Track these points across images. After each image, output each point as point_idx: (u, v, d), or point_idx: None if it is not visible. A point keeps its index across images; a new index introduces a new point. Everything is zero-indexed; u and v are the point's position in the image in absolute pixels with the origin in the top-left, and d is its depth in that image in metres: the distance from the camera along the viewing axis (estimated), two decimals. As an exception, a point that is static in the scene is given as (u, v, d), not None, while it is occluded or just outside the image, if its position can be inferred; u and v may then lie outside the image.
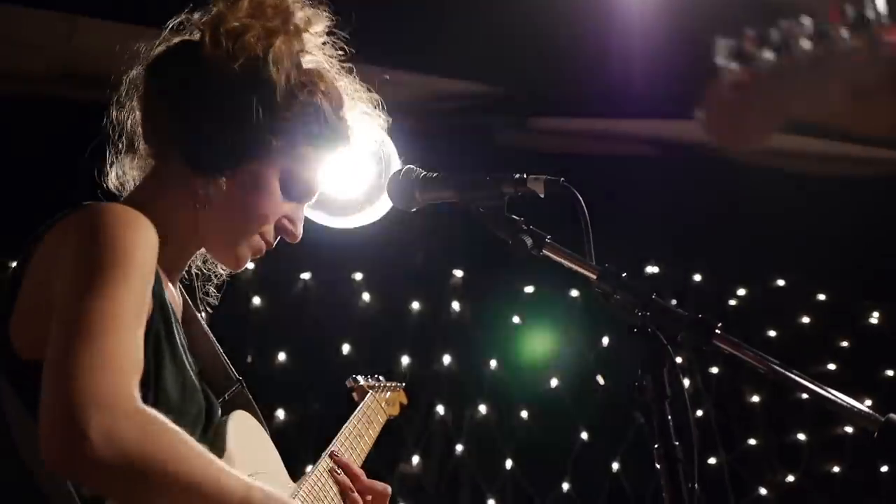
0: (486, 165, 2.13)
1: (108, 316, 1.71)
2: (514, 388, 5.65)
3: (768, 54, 1.14)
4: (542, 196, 1.96)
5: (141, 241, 1.83)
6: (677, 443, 1.77)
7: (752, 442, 6.15)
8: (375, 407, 2.81)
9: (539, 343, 5.77)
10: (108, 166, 2.17)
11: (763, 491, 6.06)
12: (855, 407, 1.76)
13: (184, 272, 2.20)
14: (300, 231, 2.17)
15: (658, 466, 1.80)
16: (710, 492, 5.74)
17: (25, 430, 1.78)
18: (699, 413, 5.92)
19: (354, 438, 2.57)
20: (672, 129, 6.19)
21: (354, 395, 2.87)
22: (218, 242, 2.12)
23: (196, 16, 2.10)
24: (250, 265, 2.34)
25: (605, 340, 5.88)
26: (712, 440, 5.94)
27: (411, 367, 5.46)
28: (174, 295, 2.12)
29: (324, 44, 2.16)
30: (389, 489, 2.37)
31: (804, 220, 6.11)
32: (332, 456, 2.37)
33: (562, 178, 1.97)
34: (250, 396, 2.21)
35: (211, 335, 2.23)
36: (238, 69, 2.01)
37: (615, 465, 5.77)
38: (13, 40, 4.84)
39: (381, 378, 2.96)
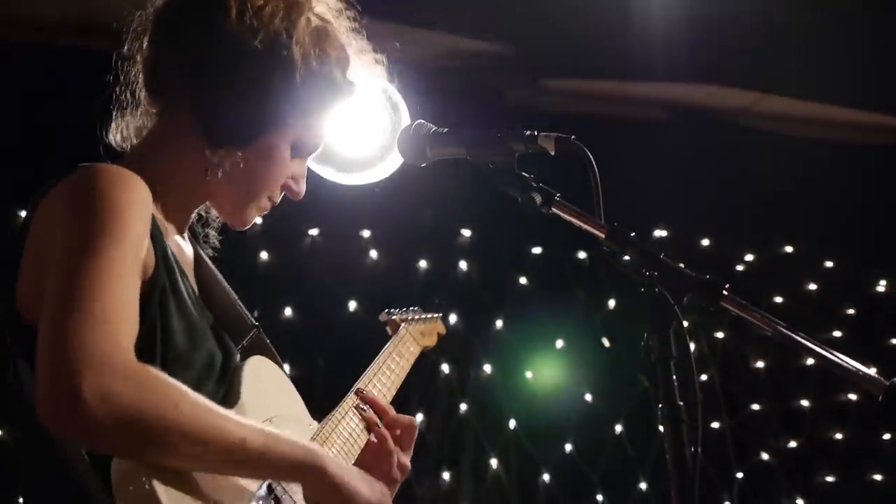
0: (497, 125, 2.13)
1: (99, 276, 1.72)
2: (519, 348, 5.65)
3: None
4: (552, 153, 1.96)
5: (133, 200, 1.84)
6: (681, 403, 1.77)
7: (756, 407, 6.16)
8: (408, 340, 2.80)
9: (545, 305, 5.77)
10: (112, 120, 2.17)
11: (765, 456, 6.08)
12: (860, 370, 1.77)
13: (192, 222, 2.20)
14: (304, 188, 2.19)
15: (661, 428, 1.80)
16: (712, 455, 5.76)
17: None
18: (703, 377, 5.93)
19: (383, 373, 2.56)
20: (684, 93, 6.17)
21: (388, 329, 2.86)
22: (226, 205, 2.16)
23: None
24: (258, 220, 2.35)
25: (612, 303, 5.88)
26: (716, 405, 5.95)
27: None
28: (181, 246, 2.13)
29: None
30: (417, 421, 2.37)
31: (814, 186, 6.10)
32: (357, 392, 2.37)
33: (573, 136, 1.96)
34: (267, 341, 2.23)
35: (224, 283, 2.24)
36: (259, 45, 2.01)
37: (618, 428, 5.78)
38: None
39: (416, 309, 2.95)
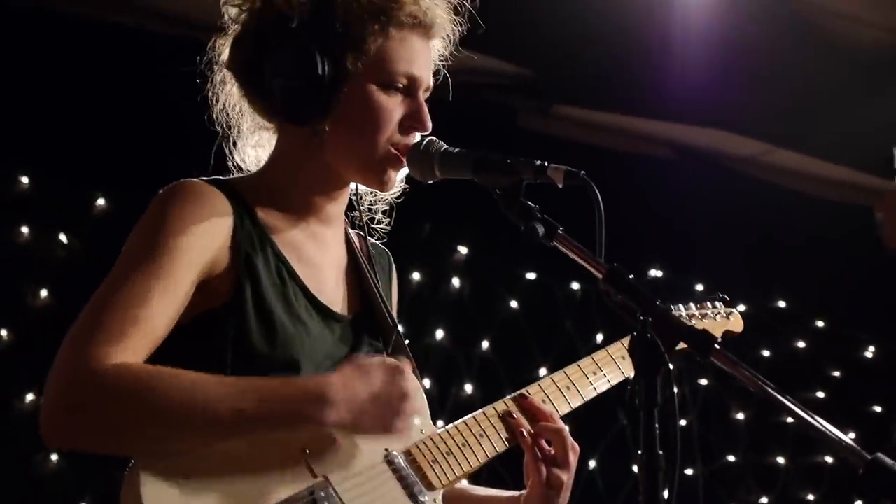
0: (507, 145, 2.13)
1: (117, 287, 1.85)
2: (502, 371, 5.64)
3: None
4: (560, 186, 1.95)
5: (194, 215, 1.95)
6: (661, 452, 1.75)
7: (731, 458, 6.15)
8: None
9: (533, 331, 5.76)
10: (232, 152, 2.26)
11: (735, 508, 6.08)
12: (843, 440, 1.75)
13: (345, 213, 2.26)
14: (429, 121, 2.17)
15: (637, 471, 1.79)
16: (683, 502, 5.74)
17: None
18: (682, 423, 5.92)
19: (580, 376, 2.43)
20: (695, 135, 6.18)
21: None
22: (358, 173, 2.17)
23: None
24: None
25: (600, 337, 5.87)
26: (692, 451, 5.94)
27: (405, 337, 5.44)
28: (309, 245, 2.17)
29: None
30: (566, 429, 2.28)
31: (815, 245, 6.11)
32: (517, 398, 2.31)
33: (582, 171, 1.95)
34: (405, 342, 2.26)
35: (374, 283, 2.26)
36: (271, 25, 2.09)
37: (592, 463, 5.76)
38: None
39: (687, 306, 2.74)
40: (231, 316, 1.98)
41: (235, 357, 1.96)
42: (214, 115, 2.23)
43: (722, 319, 2.77)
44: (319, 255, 2.19)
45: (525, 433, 2.23)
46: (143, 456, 1.81)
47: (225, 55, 2.18)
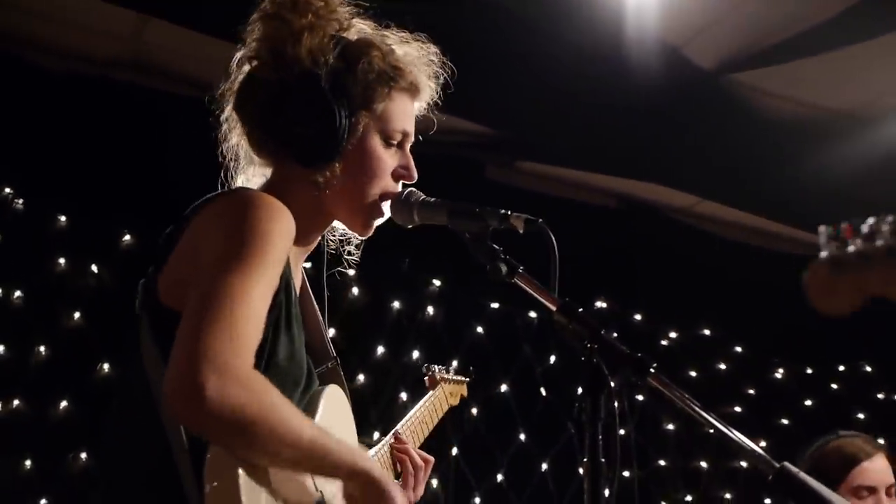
0: (476, 196, 2.14)
1: (239, 293, 1.77)
2: (469, 387, 5.63)
3: (857, 241, 1.28)
4: (521, 232, 1.97)
5: (283, 230, 1.90)
6: (603, 459, 1.77)
7: (662, 463, 6.17)
8: (442, 398, 2.81)
9: (496, 353, 5.77)
10: (234, 177, 2.22)
11: (665, 505, 6.08)
12: (755, 451, 1.78)
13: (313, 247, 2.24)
14: (415, 172, 2.20)
15: (583, 474, 1.80)
16: (621, 501, 5.73)
17: (156, 370, 1.85)
18: (622, 432, 5.92)
19: (416, 423, 2.60)
20: (634, 187, 6.22)
21: (427, 381, 2.84)
22: (346, 210, 2.16)
23: (249, 27, 2.13)
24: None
25: (553, 359, 5.88)
26: (629, 456, 5.95)
27: (386, 357, 5.44)
28: (299, 274, 2.17)
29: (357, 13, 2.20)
30: (432, 459, 2.47)
31: (736, 282, 6.15)
32: (395, 434, 2.46)
33: (540, 219, 1.97)
34: (342, 373, 2.25)
35: (318, 311, 2.27)
36: (297, 79, 2.06)
37: (544, 466, 5.76)
38: (90, 27, 4.83)
39: (448, 370, 2.93)
40: (270, 326, 1.92)
41: (266, 365, 1.90)
42: (223, 151, 2.19)
43: (460, 385, 2.99)
44: (297, 282, 2.17)
45: (408, 464, 2.44)
46: (239, 452, 1.78)
47: (232, 100, 2.15)
